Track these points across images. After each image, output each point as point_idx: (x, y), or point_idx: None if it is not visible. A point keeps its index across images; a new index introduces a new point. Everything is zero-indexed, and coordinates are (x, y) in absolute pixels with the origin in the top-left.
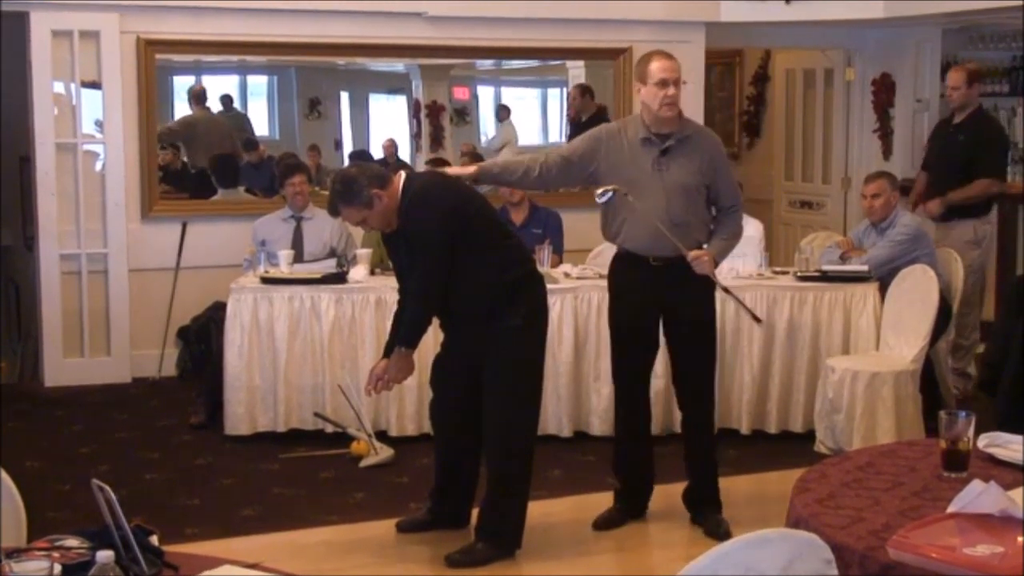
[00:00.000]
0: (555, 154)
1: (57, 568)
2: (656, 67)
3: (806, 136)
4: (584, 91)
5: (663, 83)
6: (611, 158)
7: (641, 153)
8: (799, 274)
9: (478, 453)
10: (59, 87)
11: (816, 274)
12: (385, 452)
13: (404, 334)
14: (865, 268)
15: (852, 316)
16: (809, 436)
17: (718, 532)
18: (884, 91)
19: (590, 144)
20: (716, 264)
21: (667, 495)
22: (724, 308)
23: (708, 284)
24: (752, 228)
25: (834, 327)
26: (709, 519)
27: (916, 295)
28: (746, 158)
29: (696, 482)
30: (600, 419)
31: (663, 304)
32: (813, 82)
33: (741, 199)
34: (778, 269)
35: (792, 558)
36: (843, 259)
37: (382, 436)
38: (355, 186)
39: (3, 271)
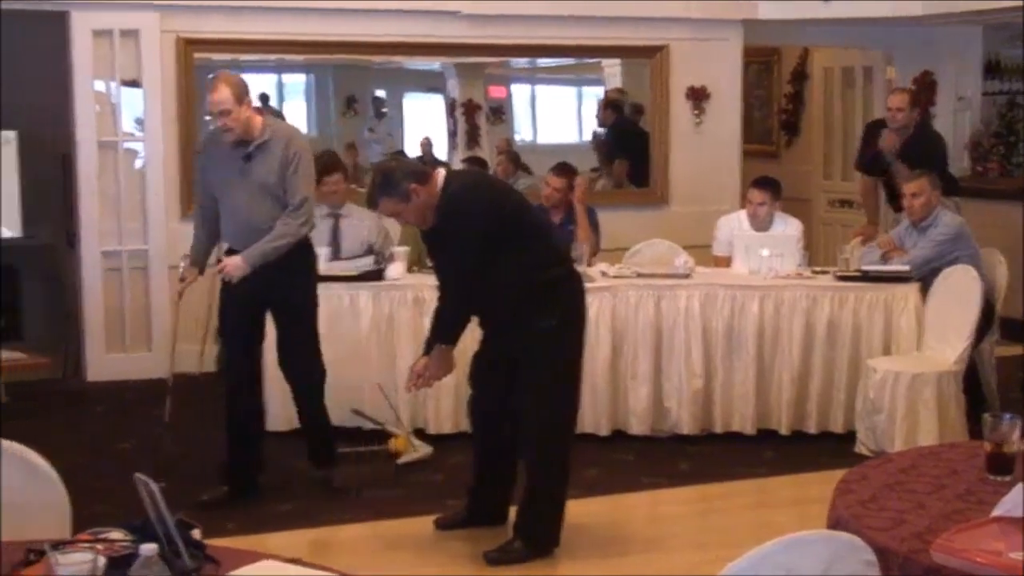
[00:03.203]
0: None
1: (101, 560)
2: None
3: (845, 135)
4: (608, 104)
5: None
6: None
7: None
8: (839, 274)
9: (516, 451)
10: (100, 86)
11: (857, 274)
12: (423, 449)
13: (443, 331)
14: (906, 268)
15: (893, 316)
16: (850, 437)
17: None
18: (925, 90)
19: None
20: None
21: (704, 495)
22: (763, 307)
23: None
24: (792, 227)
25: (875, 327)
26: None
27: (958, 295)
28: (784, 157)
29: None
30: (638, 418)
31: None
32: (852, 80)
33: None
34: (818, 269)
35: (833, 560)
36: (884, 259)
37: (420, 433)
38: (393, 179)
39: (46, 268)
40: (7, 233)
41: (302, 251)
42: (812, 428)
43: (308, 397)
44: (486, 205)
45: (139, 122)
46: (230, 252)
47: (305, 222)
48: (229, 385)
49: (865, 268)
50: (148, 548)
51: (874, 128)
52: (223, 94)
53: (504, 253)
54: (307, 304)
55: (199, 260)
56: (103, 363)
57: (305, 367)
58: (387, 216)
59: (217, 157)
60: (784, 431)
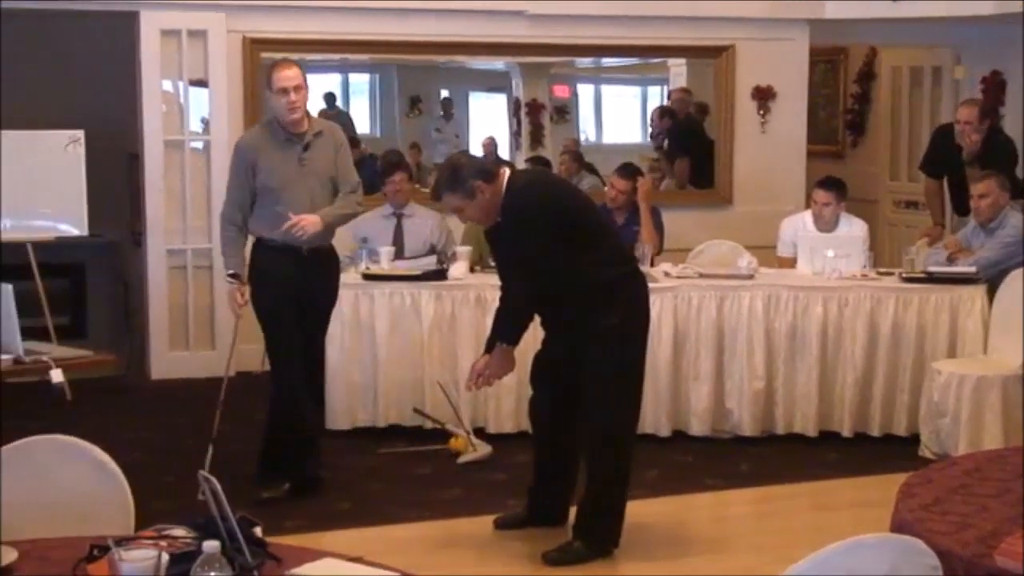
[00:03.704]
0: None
1: (164, 557)
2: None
3: (912, 135)
4: (663, 112)
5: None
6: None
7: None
8: (905, 275)
9: (576, 451)
10: (167, 85)
11: (922, 275)
12: (483, 449)
13: (504, 331)
14: (973, 270)
15: (959, 318)
16: (913, 440)
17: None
18: (994, 89)
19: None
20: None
21: (764, 497)
22: (826, 309)
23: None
24: (857, 228)
25: (940, 329)
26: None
27: None
28: (850, 157)
29: None
30: (699, 419)
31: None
32: (920, 80)
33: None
34: (883, 270)
35: (896, 563)
36: (950, 260)
37: (480, 433)
38: (460, 175)
39: (111, 266)
40: (74, 231)
41: (334, 256)
42: (875, 431)
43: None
44: (550, 204)
45: (205, 121)
46: (269, 250)
47: (361, 203)
48: (285, 385)
49: (931, 269)
50: (211, 545)
51: (941, 135)
52: (295, 70)
53: (567, 252)
54: (331, 309)
55: (244, 275)
56: (166, 361)
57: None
58: (450, 211)
59: (272, 154)
60: (847, 433)
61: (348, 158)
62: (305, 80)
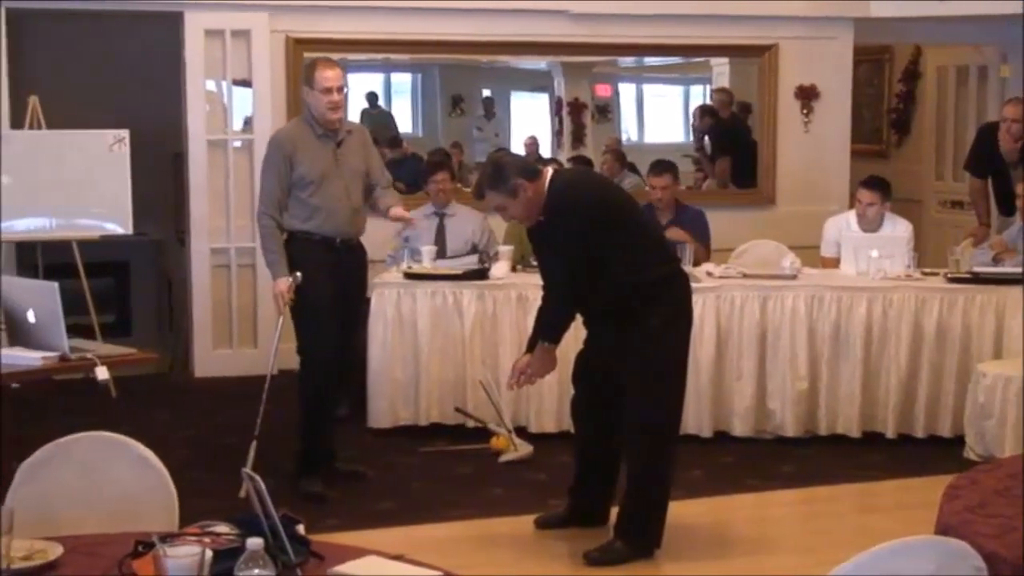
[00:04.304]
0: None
1: (208, 553)
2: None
3: (958, 135)
4: (704, 111)
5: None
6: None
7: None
8: (950, 276)
9: (618, 451)
10: (211, 85)
11: (967, 276)
12: (524, 448)
13: (546, 330)
14: (1019, 270)
15: (1005, 319)
16: (958, 441)
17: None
18: None
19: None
20: None
21: (808, 498)
22: (870, 309)
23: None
24: (901, 228)
25: (985, 330)
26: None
27: None
28: (895, 156)
29: None
30: (741, 419)
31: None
32: (966, 79)
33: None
34: (928, 270)
35: (941, 566)
36: (996, 261)
37: (521, 432)
38: (503, 173)
39: (155, 265)
40: (119, 230)
41: (363, 249)
42: (919, 432)
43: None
44: (592, 202)
45: (248, 121)
46: (304, 242)
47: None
48: (320, 378)
49: (976, 270)
50: (254, 542)
51: (987, 132)
52: (338, 71)
53: (610, 251)
54: (361, 300)
55: (286, 269)
56: (210, 359)
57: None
58: (492, 210)
59: (310, 148)
60: (890, 434)
61: (378, 156)
62: (345, 80)
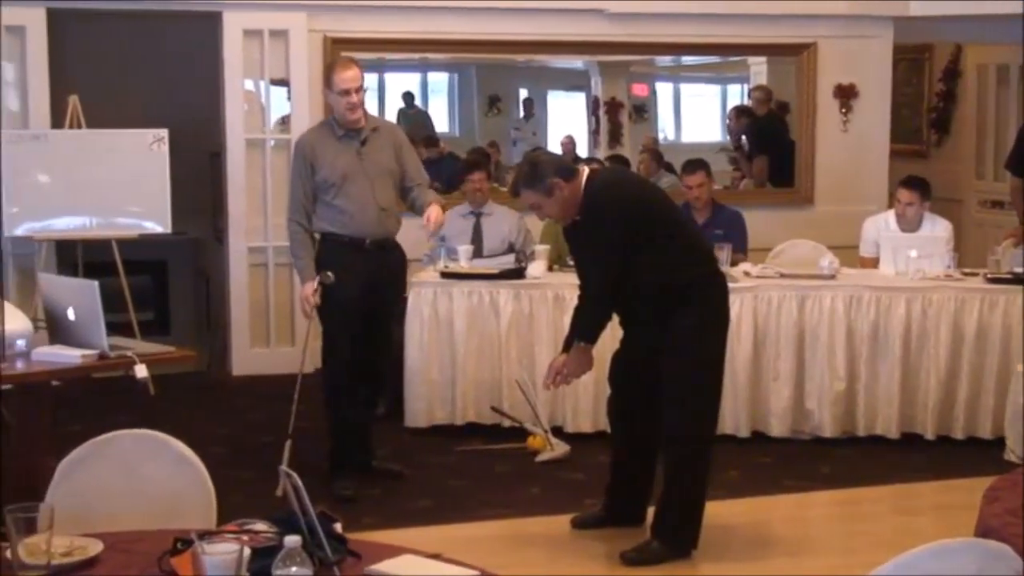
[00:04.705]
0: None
1: (246, 551)
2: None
3: (999, 134)
4: (739, 112)
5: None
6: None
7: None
8: (990, 276)
9: (655, 451)
10: (249, 84)
11: (1008, 276)
12: (560, 448)
13: (583, 329)
14: None
15: None
16: (998, 443)
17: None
18: None
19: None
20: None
21: (846, 499)
22: (909, 310)
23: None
24: (941, 228)
25: None
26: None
27: None
28: (934, 156)
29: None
30: (778, 419)
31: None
32: (1007, 78)
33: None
34: (968, 271)
35: (981, 568)
36: None
37: (558, 432)
38: (539, 172)
39: (193, 264)
40: (157, 229)
41: (397, 247)
42: (959, 433)
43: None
44: (629, 202)
45: (284, 120)
46: (333, 244)
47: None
48: (341, 377)
49: (1017, 270)
50: (292, 540)
51: None
52: (356, 71)
53: (646, 250)
54: (397, 299)
55: (315, 274)
56: (248, 357)
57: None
58: (528, 208)
59: (331, 150)
60: (929, 436)
61: (414, 155)
62: (363, 79)
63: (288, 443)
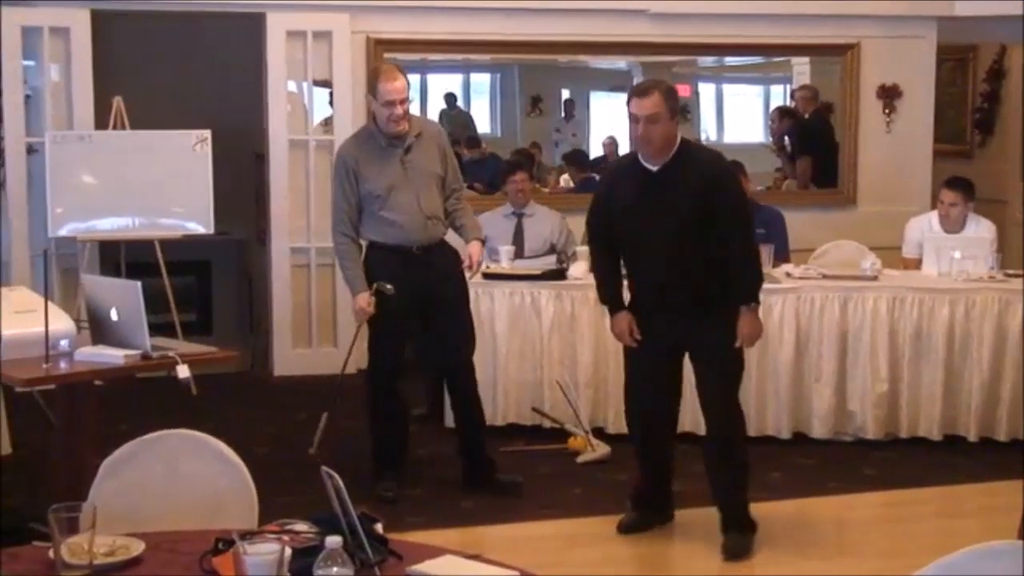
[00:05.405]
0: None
1: (288, 551)
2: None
3: None
4: (782, 113)
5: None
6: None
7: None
8: None
9: (673, 446)
10: (292, 86)
11: None
12: (602, 449)
13: (754, 290)
14: None
15: None
16: None
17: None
18: None
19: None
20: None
21: (889, 501)
22: (953, 311)
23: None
24: (985, 229)
25: None
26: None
27: None
28: (978, 157)
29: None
30: (821, 421)
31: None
32: None
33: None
34: (1012, 272)
35: None
36: None
37: (599, 433)
38: (676, 95)
39: (236, 264)
40: (200, 229)
41: (448, 249)
42: (1002, 436)
43: (470, 385)
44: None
45: (327, 121)
46: (381, 251)
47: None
48: (383, 381)
49: None
50: (333, 540)
51: None
52: (402, 81)
53: (714, 223)
54: (458, 300)
55: (364, 284)
56: (290, 358)
57: (470, 355)
58: (643, 112)
59: (374, 160)
60: (972, 438)
61: (454, 159)
62: (409, 89)
63: (316, 437)
